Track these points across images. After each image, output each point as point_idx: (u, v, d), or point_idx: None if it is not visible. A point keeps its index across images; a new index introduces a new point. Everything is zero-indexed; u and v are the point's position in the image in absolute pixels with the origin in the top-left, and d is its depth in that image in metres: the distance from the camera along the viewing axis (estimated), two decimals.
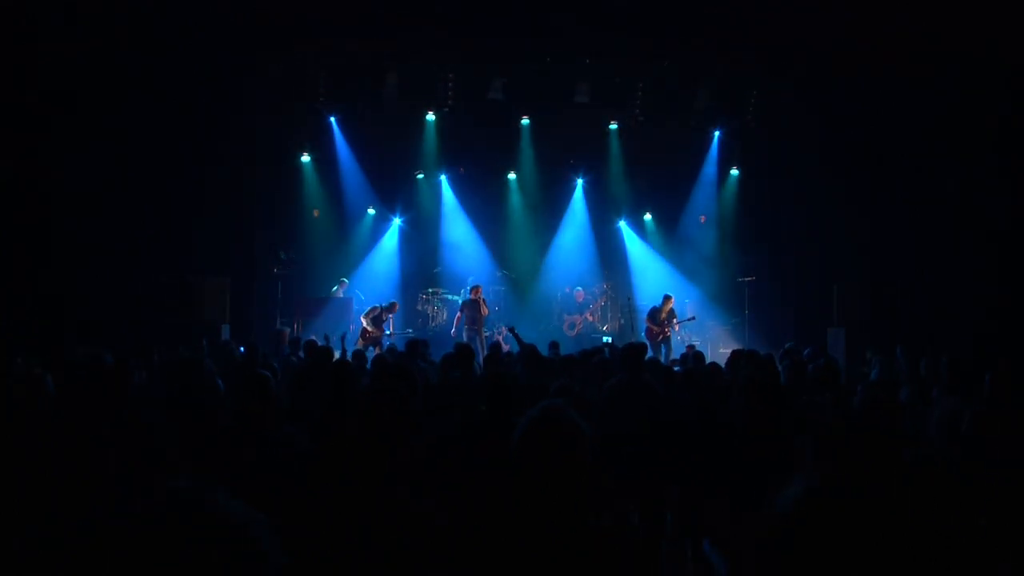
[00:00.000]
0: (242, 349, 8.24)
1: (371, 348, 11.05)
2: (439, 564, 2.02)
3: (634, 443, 4.16)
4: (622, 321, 13.88)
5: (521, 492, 1.92)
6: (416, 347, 7.46)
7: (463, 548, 1.96)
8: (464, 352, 5.98)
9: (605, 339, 12.29)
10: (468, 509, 2.08)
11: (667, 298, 12.21)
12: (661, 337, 11.87)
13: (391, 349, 9.10)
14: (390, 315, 12.01)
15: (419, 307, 13.85)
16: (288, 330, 9.60)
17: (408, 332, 13.06)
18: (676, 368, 7.46)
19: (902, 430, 3.62)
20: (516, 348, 7.42)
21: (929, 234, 11.82)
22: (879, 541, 1.23)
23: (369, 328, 11.64)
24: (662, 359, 10.82)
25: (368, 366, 6.66)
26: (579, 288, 14.35)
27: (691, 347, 9.61)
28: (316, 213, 13.80)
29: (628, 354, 5.70)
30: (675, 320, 12.23)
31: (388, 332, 12.13)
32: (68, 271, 10.36)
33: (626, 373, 5.41)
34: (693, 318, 12.89)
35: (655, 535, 4.01)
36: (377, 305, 12.03)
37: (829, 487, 1.25)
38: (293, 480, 2.85)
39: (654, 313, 12.09)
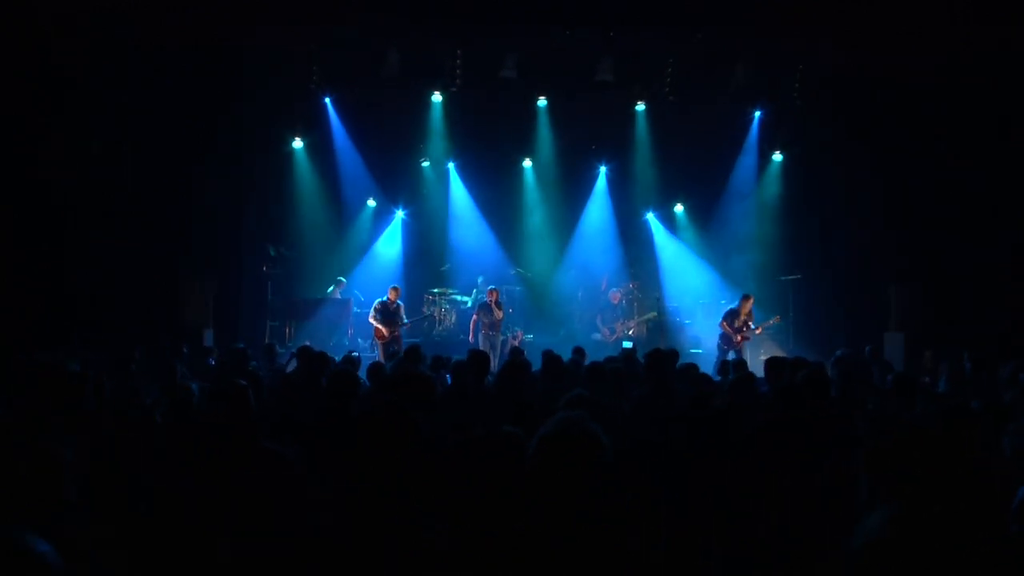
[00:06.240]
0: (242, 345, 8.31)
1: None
2: None
3: (656, 459, 4.11)
4: (650, 325, 13.79)
5: (535, 511, 1.93)
6: (417, 353, 7.45)
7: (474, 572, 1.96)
8: (477, 359, 5.94)
9: (625, 344, 12.19)
10: (480, 533, 2.08)
11: (746, 298, 11.72)
12: (740, 342, 11.51)
13: (393, 355, 9.10)
14: (397, 302, 12.00)
15: (424, 309, 13.82)
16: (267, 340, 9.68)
17: (426, 314, 13.31)
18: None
19: (981, 449, 3.55)
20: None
21: (1000, 228, 11.61)
22: (966, 571, 1.19)
23: (383, 327, 11.68)
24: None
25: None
26: (614, 289, 14.25)
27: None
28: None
29: (653, 362, 5.62)
30: (751, 325, 11.68)
31: (406, 322, 12.19)
32: (38, 271, 10.41)
33: (650, 384, 5.34)
34: (778, 318, 12.41)
35: (679, 557, 3.98)
36: (379, 300, 12.02)
37: (914, 515, 1.19)
38: (279, 502, 2.83)
39: (731, 315, 11.62)
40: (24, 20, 9.53)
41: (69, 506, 2.50)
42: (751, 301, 11.75)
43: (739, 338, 11.47)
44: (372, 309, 11.86)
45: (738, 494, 3.48)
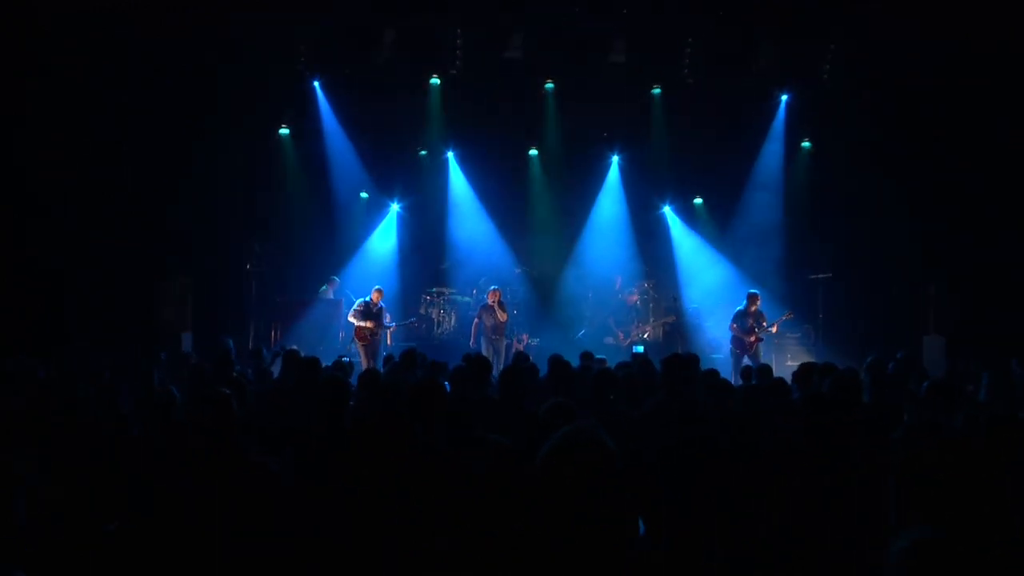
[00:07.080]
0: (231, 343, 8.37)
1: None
2: None
3: (669, 471, 4.14)
4: (667, 328, 13.78)
5: (541, 522, 1.98)
6: (413, 358, 7.46)
7: None
8: (477, 365, 5.94)
9: (636, 349, 12.21)
10: (481, 543, 2.10)
11: (752, 296, 11.85)
12: (754, 343, 11.58)
13: (388, 360, 9.10)
14: (380, 304, 12.01)
15: (422, 310, 13.84)
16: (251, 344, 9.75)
17: (412, 320, 13.31)
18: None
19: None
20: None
21: None
22: None
23: (365, 325, 11.69)
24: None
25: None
26: (631, 290, 14.25)
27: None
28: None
29: (670, 368, 5.63)
30: (765, 324, 11.78)
31: (392, 325, 12.25)
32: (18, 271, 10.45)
33: (666, 390, 5.35)
34: (791, 314, 12.39)
35: (686, 561, 4.02)
36: (361, 299, 12.03)
37: (945, 539, 1.19)
38: (260, 515, 2.84)
39: (740, 317, 11.73)
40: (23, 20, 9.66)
41: (21, 521, 2.52)
42: (758, 300, 11.87)
43: (752, 339, 11.55)
44: (353, 309, 11.89)
45: (749, 499, 3.50)
